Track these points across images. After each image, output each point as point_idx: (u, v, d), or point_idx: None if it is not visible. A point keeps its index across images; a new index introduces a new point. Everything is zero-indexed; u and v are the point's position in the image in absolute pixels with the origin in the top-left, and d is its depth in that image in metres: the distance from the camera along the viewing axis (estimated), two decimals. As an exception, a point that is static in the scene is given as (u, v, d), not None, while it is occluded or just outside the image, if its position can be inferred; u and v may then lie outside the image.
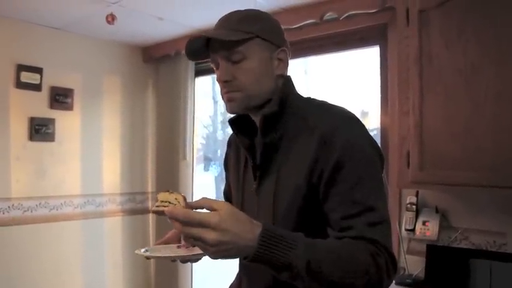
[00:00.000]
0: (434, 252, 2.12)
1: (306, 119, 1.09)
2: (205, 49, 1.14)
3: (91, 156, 3.32)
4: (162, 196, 0.95)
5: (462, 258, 2.01)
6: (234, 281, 1.32)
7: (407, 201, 2.23)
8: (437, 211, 2.18)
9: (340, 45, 2.68)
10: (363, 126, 1.09)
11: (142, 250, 1.11)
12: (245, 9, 1.15)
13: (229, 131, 1.29)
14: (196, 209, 0.90)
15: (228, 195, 1.41)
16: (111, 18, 2.60)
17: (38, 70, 2.99)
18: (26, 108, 2.97)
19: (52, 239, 3.08)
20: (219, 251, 0.84)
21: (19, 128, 2.94)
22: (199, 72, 3.48)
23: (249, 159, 1.19)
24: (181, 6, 2.65)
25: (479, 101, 1.77)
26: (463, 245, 2.12)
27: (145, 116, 3.63)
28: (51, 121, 3.07)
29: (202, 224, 0.83)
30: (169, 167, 3.39)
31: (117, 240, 3.46)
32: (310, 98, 1.18)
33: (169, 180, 3.37)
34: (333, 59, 3.04)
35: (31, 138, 2.98)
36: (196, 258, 1.19)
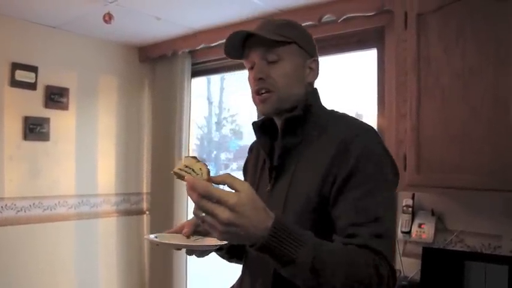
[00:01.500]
0: (429, 255, 2.13)
1: (326, 128, 1.13)
2: (241, 48, 1.18)
3: (86, 156, 3.30)
4: (187, 161, 0.93)
5: (457, 260, 2.02)
6: (235, 284, 1.32)
7: (404, 204, 2.24)
8: (433, 214, 2.19)
9: (338, 47, 2.68)
10: (380, 139, 1.11)
11: (152, 236, 1.12)
12: (284, 18, 1.24)
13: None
14: (218, 184, 0.89)
15: None
16: (108, 18, 2.59)
17: (33, 69, 2.97)
18: (20, 107, 2.94)
19: (46, 240, 3.05)
20: (227, 232, 0.84)
21: (13, 127, 2.92)
22: (195, 73, 3.47)
23: (266, 161, 1.22)
24: (179, 6, 2.64)
25: (477, 105, 1.78)
26: (459, 247, 2.13)
27: (141, 116, 3.62)
28: (46, 120, 3.05)
29: (220, 202, 0.82)
30: (165, 168, 3.37)
31: (112, 241, 3.44)
32: (333, 110, 1.22)
33: (165, 181, 3.36)
34: (330, 61, 3.05)
35: (25, 137, 2.95)
36: (202, 252, 1.21)
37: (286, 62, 1.14)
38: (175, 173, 0.92)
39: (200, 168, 0.91)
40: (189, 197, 0.85)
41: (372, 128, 1.12)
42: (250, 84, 1.20)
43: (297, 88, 1.17)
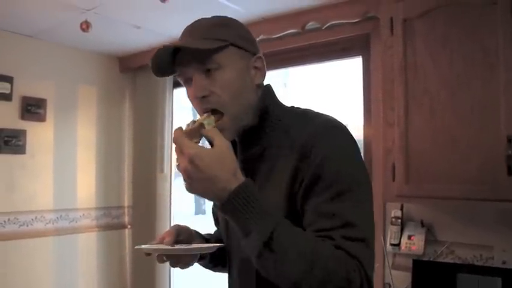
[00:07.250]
0: (420, 267, 2.07)
1: (288, 130, 1.02)
2: (171, 64, 1.03)
3: (65, 169, 3.18)
4: (202, 118, 0.97)
5: (449, 273, 1.96)
6: None
7: (392, 215, 2.18)
8: (422, 225, 2.13)
9: (322, 55, 2.63)
10: (348, 135, 1.00)
11: (143, 246, 1.10)
12: (213, 16, 1.05)
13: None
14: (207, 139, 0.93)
15: (215, 213, 1.33)
16: (85, 26, 2.51)
17: (8, 79, 2.87)
18: (-6, 118, 2.84)
19: (22, 257, 2.92)
20: (188, 183, 0.88)
21: (-13, 140, 2.80)
22: (177, 84, 3.37)
23: None
24: (159, 15, 2.57)
25: (465, 113, 1.74)
26: (450, 259, 2.07)
27: (121, 128, 3.52)
28: (22, 132, 2.94)
29: (181, 151, 0.87)
30: (146, 181, 3.28)
31: (92, 258, 3.32)
32: (293, 107, 1.10)
33: (146, 194, 3.27)
34: (314, 69, 3.01)
35: (0, 150, 2.84)
36: (186, 263, 1.16)
37: (227, 70, 0.99)
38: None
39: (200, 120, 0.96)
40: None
41: (336, 124, 1.00)
42: (191, 101, 1.05)
43: (247, 96, 1.03)
